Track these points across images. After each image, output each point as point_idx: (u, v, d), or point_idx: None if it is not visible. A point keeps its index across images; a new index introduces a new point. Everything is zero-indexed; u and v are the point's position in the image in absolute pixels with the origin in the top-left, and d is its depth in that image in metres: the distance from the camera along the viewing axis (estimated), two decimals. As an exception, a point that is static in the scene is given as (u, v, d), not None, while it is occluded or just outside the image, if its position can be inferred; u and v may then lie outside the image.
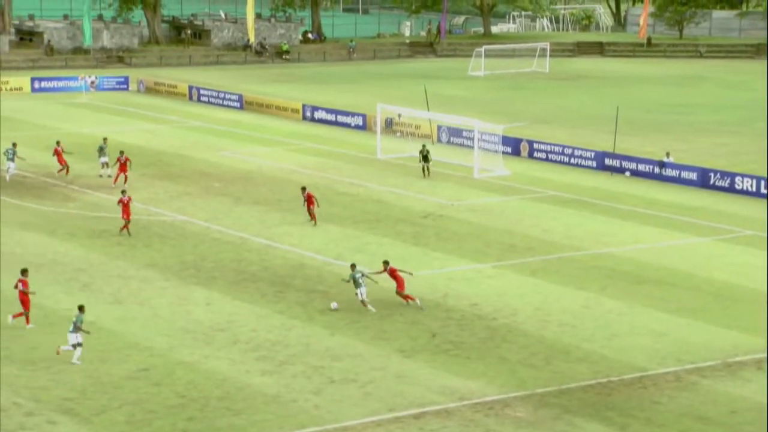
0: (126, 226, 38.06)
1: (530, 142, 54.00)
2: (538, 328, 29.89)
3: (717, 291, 33.36)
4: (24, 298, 29.45)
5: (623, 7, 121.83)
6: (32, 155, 51.42)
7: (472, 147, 51.05)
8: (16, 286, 29.66)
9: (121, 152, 46.17)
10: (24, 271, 29.84)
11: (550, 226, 40.79)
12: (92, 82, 73.99)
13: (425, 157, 48.78)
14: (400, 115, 57.35)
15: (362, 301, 31.00)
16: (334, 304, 31.28)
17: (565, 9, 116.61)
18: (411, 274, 32.40)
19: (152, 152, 51.07)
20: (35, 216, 40.18)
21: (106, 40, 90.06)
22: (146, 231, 39.06)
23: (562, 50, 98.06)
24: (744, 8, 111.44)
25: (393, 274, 31.50)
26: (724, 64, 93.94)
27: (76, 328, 27.24)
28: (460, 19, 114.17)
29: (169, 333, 29.02)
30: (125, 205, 38.09)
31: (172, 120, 63.49)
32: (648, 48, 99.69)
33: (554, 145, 53.32)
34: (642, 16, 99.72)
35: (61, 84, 73.90)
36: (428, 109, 56.71)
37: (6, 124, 59.81)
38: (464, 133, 55.25)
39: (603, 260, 36.46)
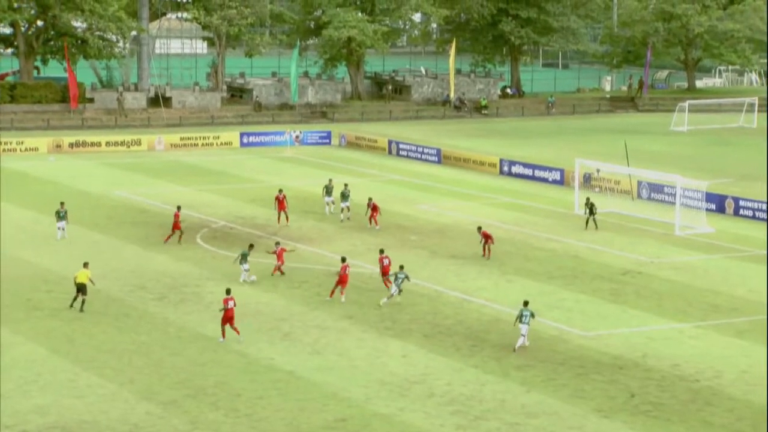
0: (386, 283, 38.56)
1: (736, 199, 52.33)
2: (745, 392, 28.82)
3: None
4: (229, 314, 32.72)
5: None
6: (239, 208, 53.30)
7: (673, 203, 49.87)
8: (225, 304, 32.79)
9: (370, 199, 48.66)
10: (228, 290, 33.52)
11: (757, 286, 39.30)
12: (297, 137, 76.28)
13: (591, 210, 48.12)
14: (598, 170, 56.64)
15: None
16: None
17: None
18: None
19: (352, 205, 52.00)
20: (240, 266, 41.52)
21: (311, 96, 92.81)
22: (345, 282, 39.72)
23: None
24: None
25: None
26: None
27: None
28: (663, 74, 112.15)
29: (365, 384, 29.32)
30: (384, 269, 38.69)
31: (372, 173, 64.64)
32: None
33: (762, 202, 51.49)
34: None
35: (267, 139, 76.47)
36: (628, 165, 55.80)
37: (217, 178, 62.27)
38: (665, 189, 54.05)
39: (814, 323, 34.85)
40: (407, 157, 71.11)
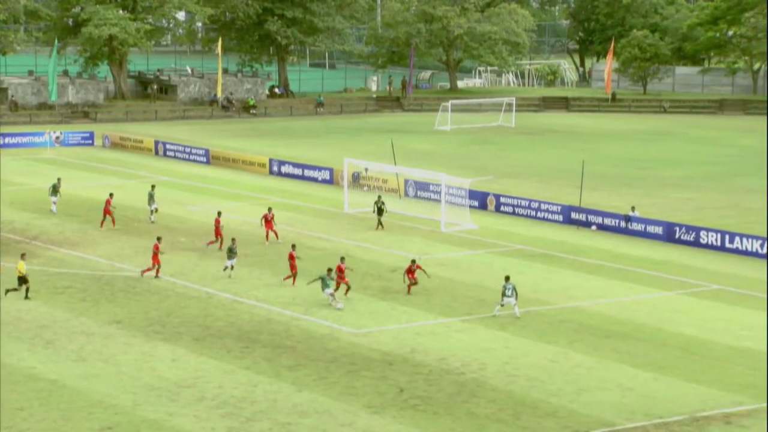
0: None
1: (497, 196, 54.13)
2: (507, 383, 29.76)
3: (684, 345, 33.37)
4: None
5: (588, 63, 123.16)
6: (-4, 210, 51.04)
7: (439, 201, 51.10)
8: None
9: (269, 209, 46.92)
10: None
11: (518, 280, 40.51)
12: (57, 138, 73.63)
13: (380, 210, 48.91)
14: (367, 170, 57.41)
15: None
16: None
17: (530, 64, 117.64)
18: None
19: (118, 207, 50.64)
20: (-2, 272, 39.78)
21: (71, 95, 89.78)
22: (110, 287, 38.70)
23: (528, 105, 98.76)
24: (706, 65, 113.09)
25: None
26: (688, 119, 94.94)
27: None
28: (426, 74, 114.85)
29: (133, 390, 28.68)
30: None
31: (138, 175, 63.19)
32: (613, 103, 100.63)
33: (521, 199, 53.47)
34: (606, 72, 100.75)
35: (25, 140, 73.43)
36: (395, 164, 56.81)
37: (-30, 180, 59.31)
38: (431, 187, 55.34)
39: (570, 314, 36.44)
40: (175, 157, 69.94)
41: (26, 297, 36.70)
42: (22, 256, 37.75)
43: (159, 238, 40.58)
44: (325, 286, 36.38)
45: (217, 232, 44.45)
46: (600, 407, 28.06)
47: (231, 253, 39.98)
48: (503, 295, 35.72)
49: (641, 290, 39.68)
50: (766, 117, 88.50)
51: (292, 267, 39.16)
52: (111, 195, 48.69)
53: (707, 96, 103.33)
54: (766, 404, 28.35)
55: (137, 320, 34.89)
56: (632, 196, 57.22)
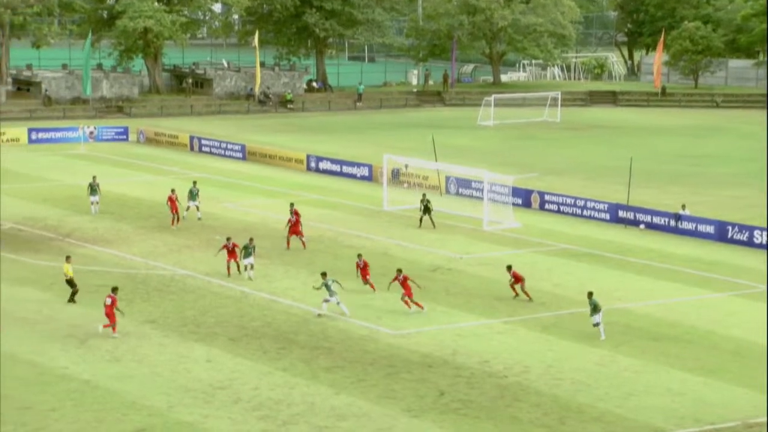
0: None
1: (541, 194, 53.03)
2: (551, 387, 28.94)
3: (736, 349, 32.38)
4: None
5: (637, 55, 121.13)
6: (29, 208, 50.63)
7: (481, 198, 50.12)
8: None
9: (291, 204, 45.74)
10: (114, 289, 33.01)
11: (563, 281, 39.77)
12: (91, 133, 73.31)
13: (426, 208, 47.83)
14: (407, 166, 56.51)
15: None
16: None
17: (576, 57, 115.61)
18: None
19: (152, 204, 50.18)
20: (31, 271, 39.36)
21: (106, 89, 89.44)
22: (145, 285, 38.16)
23: (573, 99, 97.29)
24: (761, 57, 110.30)
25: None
26: (741, 114, 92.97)
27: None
28: (468, 68, 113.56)
29: (168, 392, 28.21)
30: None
31: (173, 171, 62.64)
32: (662, 97, 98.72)
33: (566, 196, 52.34)
34: (656, 65, 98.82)
35: (59, 135, 73.18)
36: (436, 160, 55.90)
37: (3, 177, 58.90)
38: (473, 184, 54.34)
39: (617, 316, 35.41)
40: (210, 153, 69.36)
41: (71, 300, 35.97)
42: (67, 258, 36.82)
43: (229, 238, 39.66)
44: (330, 293, 34.65)
45: (296, 230, 43.28)
46: (648, 412, 27.28)
47: (246, 251, 38.78)
48: (595, 312, 33.19)
49: (691, 291, 38.66)
50: (766, 113, 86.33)
51: (365, 276, 37.92)
52: (173, 191, 47.79)
53: (761, 90, 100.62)
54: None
55: (172, 320, 34.33)
56: (682, 193, 55.90)
